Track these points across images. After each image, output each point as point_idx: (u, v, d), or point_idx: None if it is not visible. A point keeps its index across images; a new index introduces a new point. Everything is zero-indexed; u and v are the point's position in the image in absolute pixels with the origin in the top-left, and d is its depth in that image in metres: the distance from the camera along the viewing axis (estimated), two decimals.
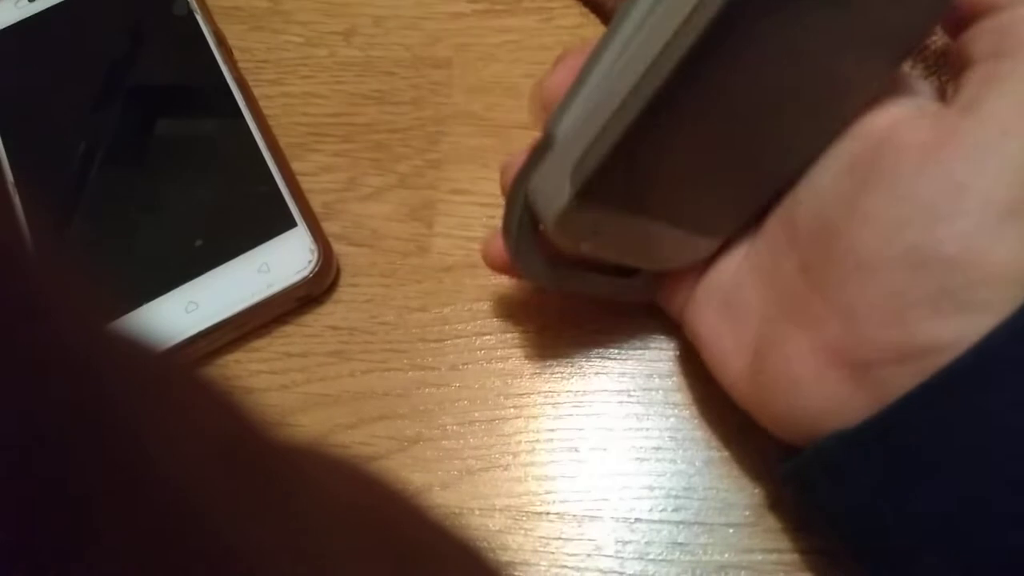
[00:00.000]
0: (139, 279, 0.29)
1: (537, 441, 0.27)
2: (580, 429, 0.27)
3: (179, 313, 0.28)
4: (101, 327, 0.09)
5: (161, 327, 0.28)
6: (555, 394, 0.27)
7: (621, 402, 0.27)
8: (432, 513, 0.17)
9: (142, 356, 0.10)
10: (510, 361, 0.28)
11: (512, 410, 0.27)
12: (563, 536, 0.25)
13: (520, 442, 0.27)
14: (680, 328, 0.25)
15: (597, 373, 0.27)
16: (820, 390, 0.20)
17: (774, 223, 0.23)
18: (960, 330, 0.18)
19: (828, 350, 0.20)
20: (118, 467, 0.08)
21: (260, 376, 0.28)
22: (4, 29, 0.34)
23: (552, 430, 0.27)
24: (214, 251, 0.29)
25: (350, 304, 0.29)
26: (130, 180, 0.31)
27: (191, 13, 0.33)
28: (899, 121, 0.21)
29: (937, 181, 0.19)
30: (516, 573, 0.25)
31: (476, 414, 0.27)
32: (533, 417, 0.27)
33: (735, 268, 0.24)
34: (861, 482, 0.20)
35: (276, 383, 0.28)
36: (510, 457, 0.26)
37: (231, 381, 0.28)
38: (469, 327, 0.28)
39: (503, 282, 0.29)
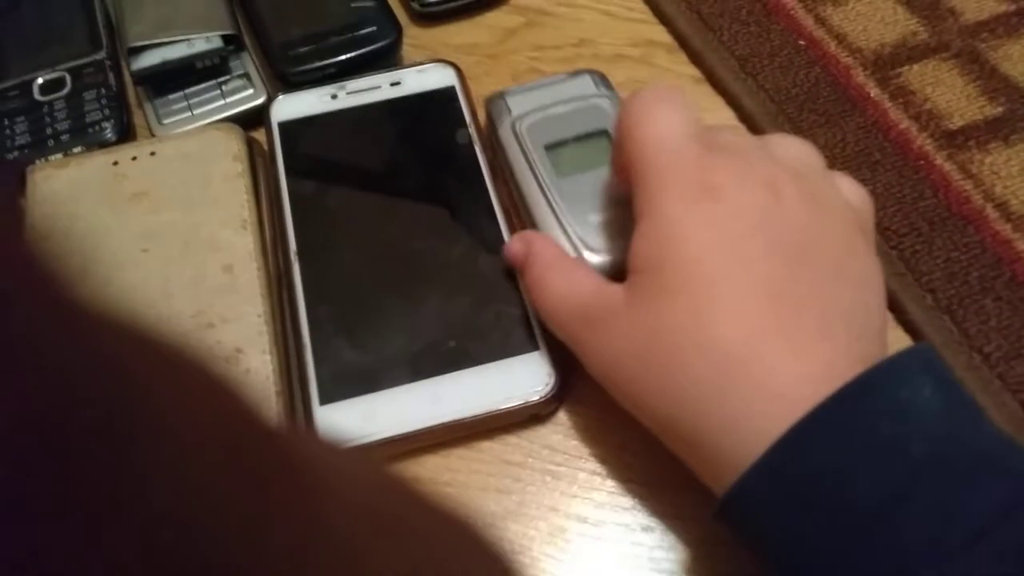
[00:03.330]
0: (395, 363, 0.33)
1: None
2: None
3: (424, 403, 0.32)
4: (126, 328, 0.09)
5: (403, 412, 0.32)
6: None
7: None
8: (440, 503, 0.17)
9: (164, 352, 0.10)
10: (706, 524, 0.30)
11: (706, 570, 0.29)
12: None
13: None
14: None
15: None
16: None
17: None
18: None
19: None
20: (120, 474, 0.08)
21: (478, 476, 0.32)
22: (310, 117, 0.40)
23: None
24: (464, 355, 0.33)
25: (569, 429, 0.32)
26: (401, 276, 0.35)
27: (471, 143, 0.39)
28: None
29: None
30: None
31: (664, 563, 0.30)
32: None
33: None
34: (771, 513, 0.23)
35: (492, 485, 0.31)
36: None
37: (452, 474, 0.32)
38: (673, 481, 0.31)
39: None
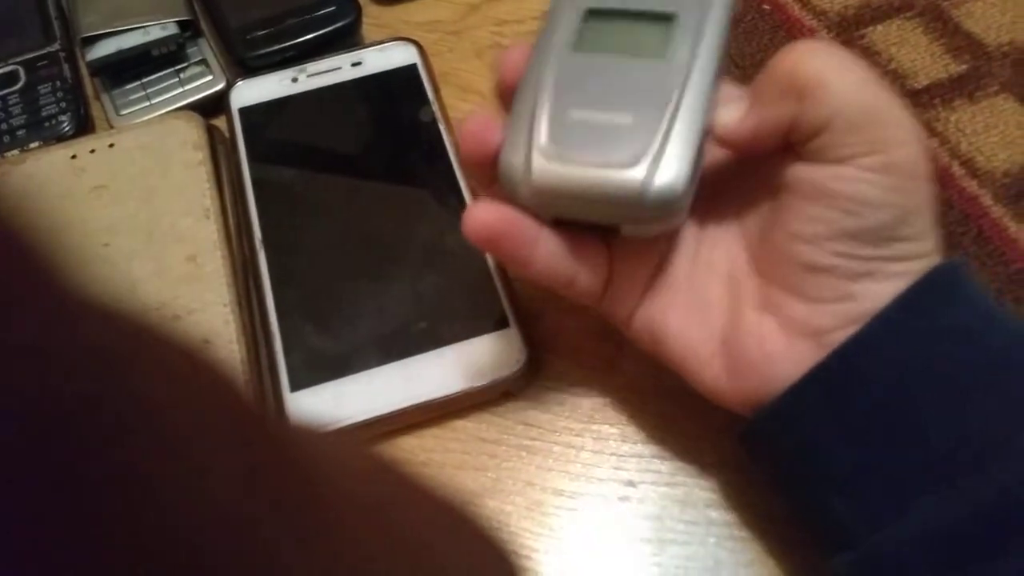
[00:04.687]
0: (365, 346, 0.32)
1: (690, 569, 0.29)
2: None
3: (396, 384, 0.31)
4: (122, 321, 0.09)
5: (375, 395, 0.31)
6: (733, 525, 0.30)
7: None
8: (432, 487, 0.17)
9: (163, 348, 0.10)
10: (683, 489, 0.30)
11: (683, 535, 0.29)
12: None
13: (681, 568, 0.29)
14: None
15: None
16: (791, 359, 0.25)
17: (721, 232, 0.28)
18: (889, 293, 0.24)
19: (795, 326, 0.25)
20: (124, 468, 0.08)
21: (454, 455, 0.32)
22: (271, 101, 0.39)
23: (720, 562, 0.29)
24: (435, 335, 0.32)
25: (542, 404, 0.32)
26: (369, 259, 0.35)
27: (435, 121, 0.38)
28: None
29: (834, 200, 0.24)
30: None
31: (645, 534, 0.30)
32: (700, 544, 0.29)
33: (688, 269, 0.28)
34: (806, 420, 0.25)
35: (468, 463, 0.31)
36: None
37: (428, 454, 0.32)
38: (647, 449, 0.31)
39: (681, 411, 0.32)
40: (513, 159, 0.26)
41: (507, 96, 0.27)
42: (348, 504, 0.13)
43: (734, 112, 0.26)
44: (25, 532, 0.08)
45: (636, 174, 0.24)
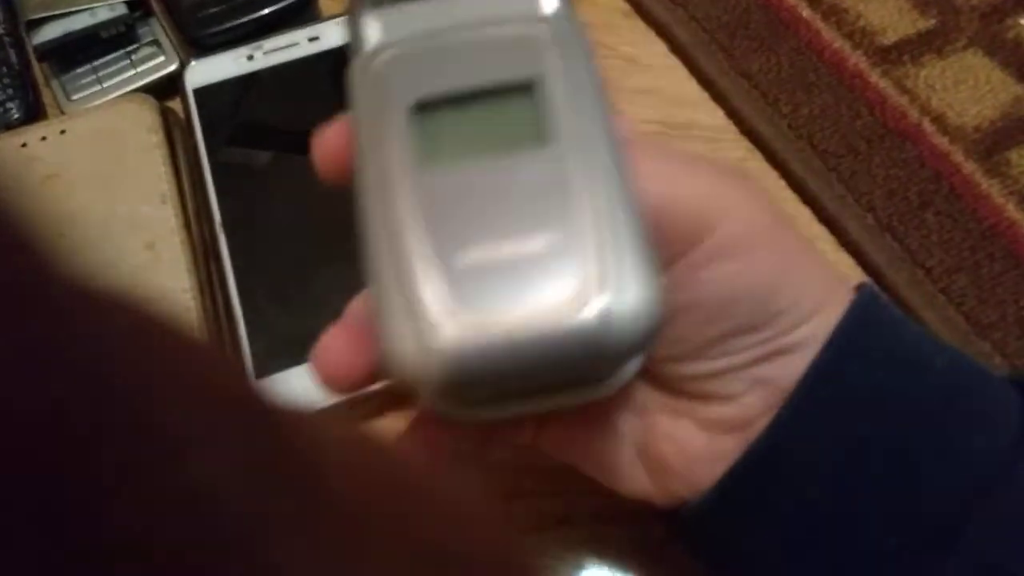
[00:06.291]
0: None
1: None
2: None
3: None
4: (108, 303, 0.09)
5: None
6: None
7: None
8: (450, 488, 0.16)
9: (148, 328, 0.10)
10: None
11: None
12: None
13: None
14: None
15: None
16: (717, 455, 0.22)
17: None
18: (799, 365, 0.21)
19: (715, 425, 0.22)
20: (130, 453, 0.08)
21: None
22: (227, 80, 0.38)
23: None
24: None
25: None
26: (332, 239, 0.34)
27: None
28: None
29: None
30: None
31: None
32: None
33: None
34: (734, 523, 0.22)
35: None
36: None
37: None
38: None
39: None
40: (400, 347, 0.17)
41: (339, 178, 0.22)
42: (352, 489, 0.13)
43: None
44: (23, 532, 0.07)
45: (587, 314, 0.17)
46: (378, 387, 0.30)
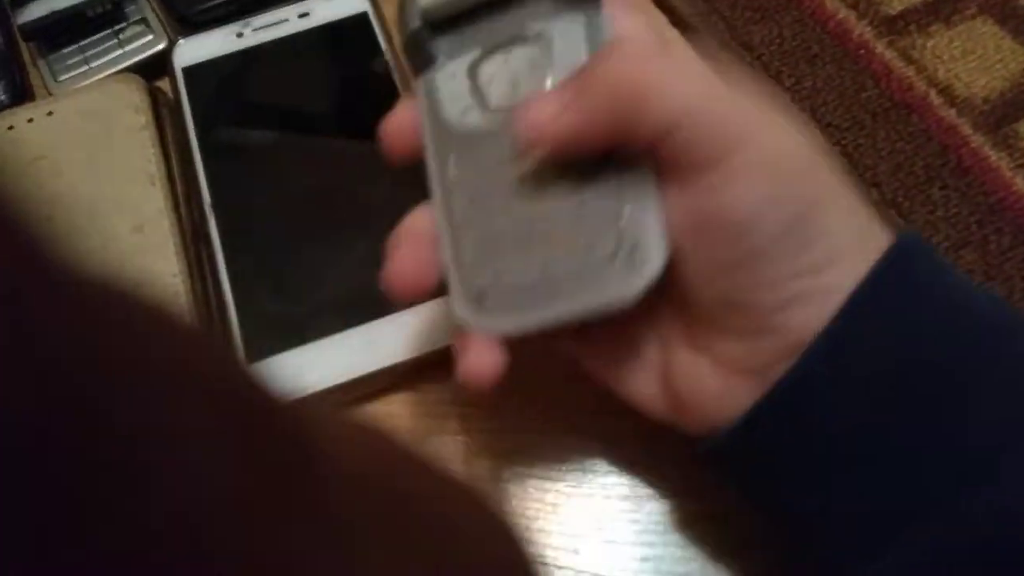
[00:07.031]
0: (325, 313, 0.31)
1: None
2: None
3: (358, 350, 0.30)
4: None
5: (336, 362, 0.30)
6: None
7: None
8: (444, 472, 0.17)
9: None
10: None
11: (661, 491, 0.29)
12: None
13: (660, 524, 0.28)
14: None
15: None
16: (729, 397, 0.23)
17: None
18: (818, 317, 0.21)
19: (728, 365, 0.23)
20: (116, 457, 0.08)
21: (423, 419, 0.30)
22: (216, 59, 0.37)
23: None
24: None
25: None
26: (324, 220, 0.33)
27: (389, 72, 0.36)
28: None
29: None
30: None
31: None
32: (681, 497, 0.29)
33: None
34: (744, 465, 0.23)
35: (439, 428, 0.30)
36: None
37: (396, 420, 0.31)
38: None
39: None
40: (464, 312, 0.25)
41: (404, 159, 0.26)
42: (347, 478, 0.12)
43: (546, 106, 0.22)
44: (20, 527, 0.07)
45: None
46: (371, 370, 0.30)
